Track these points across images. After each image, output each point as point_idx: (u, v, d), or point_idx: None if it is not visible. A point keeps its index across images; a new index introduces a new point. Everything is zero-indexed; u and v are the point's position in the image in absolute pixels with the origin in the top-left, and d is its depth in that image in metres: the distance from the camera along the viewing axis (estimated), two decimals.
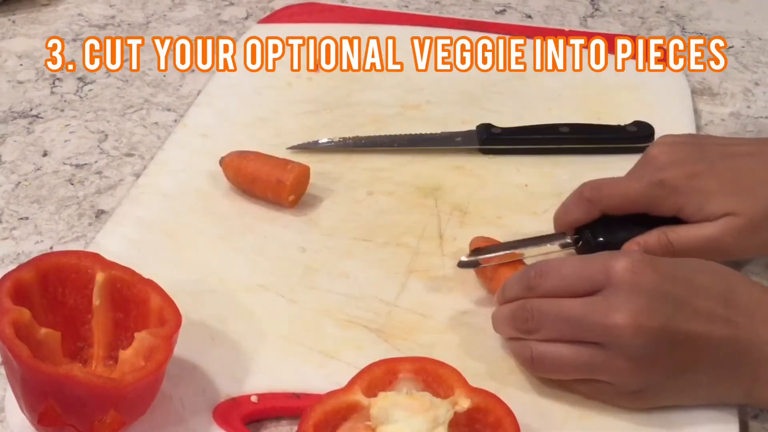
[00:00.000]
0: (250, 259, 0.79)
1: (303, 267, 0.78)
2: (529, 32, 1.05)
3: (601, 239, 0.75)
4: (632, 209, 0.75)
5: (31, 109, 0.98)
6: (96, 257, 0.69)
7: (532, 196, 0.85)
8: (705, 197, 0.73)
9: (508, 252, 0.75)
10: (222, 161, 0.84)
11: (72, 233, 0.83)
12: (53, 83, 1.02)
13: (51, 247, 0.82)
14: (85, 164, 0.91)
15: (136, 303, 0.68)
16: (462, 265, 0.74)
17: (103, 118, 0.97)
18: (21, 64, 1.05)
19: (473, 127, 0.91)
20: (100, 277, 0.67)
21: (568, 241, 0.77)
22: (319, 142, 0.90)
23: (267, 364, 0.70)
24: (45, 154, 0.92)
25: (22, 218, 0.85)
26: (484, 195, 0.85)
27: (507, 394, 0.65)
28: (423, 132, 0.91)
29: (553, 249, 0.77)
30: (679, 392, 0.65)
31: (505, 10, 1.15)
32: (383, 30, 1.05)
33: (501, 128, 0.89)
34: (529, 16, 1.14)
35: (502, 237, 0.79)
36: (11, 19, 1.13)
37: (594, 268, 0.65)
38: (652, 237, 0.73)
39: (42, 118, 0.97)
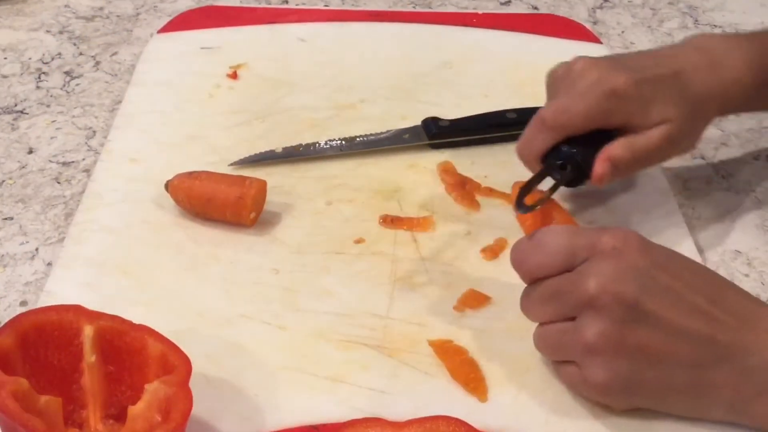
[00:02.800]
0: (223, 288, 0.73)
1: (281, 290, 0.73)
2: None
3: (574, 150, 0.75)
4: (590, 126, 0.75)
5: (16, 105, 0.94)
6: (78, 309, 0.62)
7: (495, 186, 0.83)
8: (648, 105, 0.74)
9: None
10: (168, 185, 0.78)
11: (58, 234, 0.79)
12: (39, 77, 0.97)
13: (36, 249, 0.78)
14: (72, 162, 0.87)
15: (131, 352, 0.62)
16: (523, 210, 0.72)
17: (90, 113, 0.93)
18: (5, 58, 1.00)
19: (416, 123, 0.88)
20: (89, 330, 0.61)
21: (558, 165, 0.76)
22: (262, 154, 0.85)
23: (273, 398, 0.65)
24: (30, 152, 0.88)
25: (6, 218, 0.81)
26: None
27: (527, 393, 0.66)
28: (365, 132, 0.87)
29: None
30: (651, 389, 0.62)
31: (510, 1, 1.12)
32: (298, 29, 1.01)
33: (448, 121, 0.87)
34: (536, 8, 1.12)
35: (477, 229, 0.77)
36: None
37: (580, 241, 0.63)
38: (618, 147, 0.75)
39: (27, 113, 0.93)
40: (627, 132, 0.75)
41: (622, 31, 1.08)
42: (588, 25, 1.07)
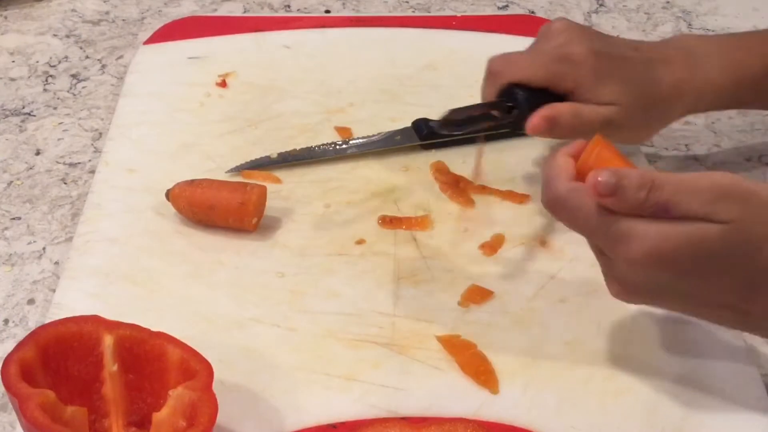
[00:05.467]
0: (230, 293, 0.74)
1: (287, 293, 0.74)
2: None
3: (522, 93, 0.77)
4: (536, 82, 0.77)
5: (24, 107, 0.95)
6: (97, 320, 0.63)
7: (489, 184, 0.85)
8: (598, 81, 0.76)
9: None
10: (169, 193, 0.79)
11: (65, 233, 0.81)
12: (46, 80, 0.99)
13: (44, 248, 0.79)
14: (79, 163, 0.88)
15: (150, 360, 0.63)
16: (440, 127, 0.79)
17: (96, 116, 0.95)
18: (13, 61, 1.02)
19: (405, 124, 0.90)
20: (108, 340, 0.62)
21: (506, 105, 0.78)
22: (259, 160, 0.86)
23: (290, 399, 0.66)
24: (38, 153, 0.90)
25: (14, 218, 0.82)
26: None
27: (536, 385, 0.67)
28: (356, 136, 0.89)
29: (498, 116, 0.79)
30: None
31: (507, 6, 1.15)
32: (282, 37, 1.02)
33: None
34: (532, 11, 1.13)
35: (474, 226, 0.80)
36: (3, 14, 1.09)
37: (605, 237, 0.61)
38: (563, 108, 0.76)
39: (35, 116, 0.94)
40: (576, 98, 0.76)
41: (617, 35, 1.09)
42: None
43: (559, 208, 0.62)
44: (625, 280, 0.62)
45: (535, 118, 0.76)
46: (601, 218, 0.60)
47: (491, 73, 0.79)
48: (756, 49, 0.80)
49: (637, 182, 0.58)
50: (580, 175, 0.61)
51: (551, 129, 0.76)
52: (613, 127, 0.76)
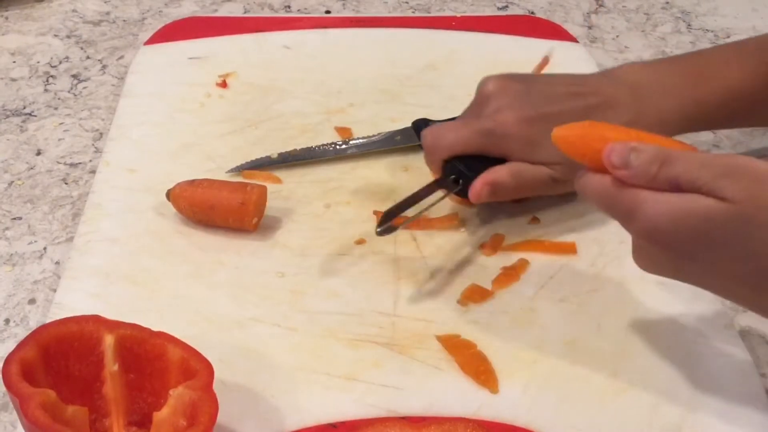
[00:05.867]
0: (231, 293, 0.74)
1: (288, 293, 0.74)
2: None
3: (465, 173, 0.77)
4: (469, 153, 0.76)
5: (25, 107, 0.96)
6: (98, 319, 0.63)
7: None
8: (531, 146, 0.75)
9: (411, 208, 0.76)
10: (170, 193, 0.79)
11: (66, 233, 0.81)
12: (47, 81, 0.99)
13: (44, 248, 0.79)
14: (80, 163, 0.89)
15: (150, 359, 0.63)
16: (381, 233, 0.74)
17: (97, 116, 0.95)
18: (14, 62, 1.02)
19: (405, 125, 0.90)
20: (109, 339, 0.62)
21: (451, 180, 0.77)
22: (259, 160, 0.86)
23: (290, 399, 0.67)
24: (38, 153, 0.90)
25: (15, 218, 0.83)
26: None
27: (536, 384, 0.67)
28: (357, 136, 0.89)
29: (442, 192, 0.78)
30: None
31: (507, 6, 1.15)
32: (282, 37, 1.02)
33: (438, 122, 0.89)
34: (532, 12, 1.14)
35: (474, 227, 0.81)
36: (4, 15, 1.09)
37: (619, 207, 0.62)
38: (503, 172, 0.76)
39: (35, 116, 0.95)
40: (515, 160, 0.76)
41: (617, 36, 1.10)
42: (583, 30, 1.10)
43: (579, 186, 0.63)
44: (641, 251, 0.62)
45: (477, 186, 0.76)
46: (614, 190, 0.60)
47: (426, 151, 0.79)
48: (715, 76, 0.79)
49: (649, 156, 0.59)
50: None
51: (494, 193, 0.76)
52: (558, 183, 0.77)
